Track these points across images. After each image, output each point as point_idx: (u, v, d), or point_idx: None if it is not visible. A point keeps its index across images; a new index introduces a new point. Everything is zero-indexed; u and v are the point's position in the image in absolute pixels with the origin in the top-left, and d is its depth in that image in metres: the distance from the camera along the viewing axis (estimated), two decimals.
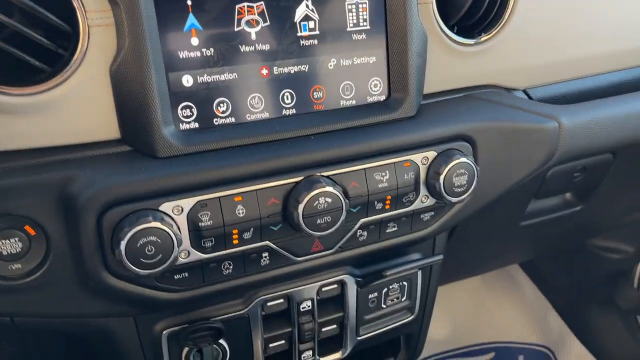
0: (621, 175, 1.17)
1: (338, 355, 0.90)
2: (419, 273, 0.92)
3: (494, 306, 2.04)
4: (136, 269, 0.61)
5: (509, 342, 1.96)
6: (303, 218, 0.68)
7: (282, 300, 0.83)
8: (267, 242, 0.71)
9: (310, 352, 0.87)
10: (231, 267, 0.70)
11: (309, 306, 0.84)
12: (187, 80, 0.67)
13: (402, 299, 0.93)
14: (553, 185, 1.08)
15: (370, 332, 0.91)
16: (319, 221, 0.69)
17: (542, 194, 1.11)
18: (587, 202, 1.22)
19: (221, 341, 0.80)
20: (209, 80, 0.68)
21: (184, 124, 0.68)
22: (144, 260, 0.61)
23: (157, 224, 0.61)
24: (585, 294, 1.89)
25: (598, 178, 1.15)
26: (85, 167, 0.63)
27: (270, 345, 0.84)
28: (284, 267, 0.74)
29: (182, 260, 0.66)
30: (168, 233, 0.62)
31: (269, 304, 0.82)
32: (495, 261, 1.52)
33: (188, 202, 0.65)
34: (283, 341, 0.85)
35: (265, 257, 0.72)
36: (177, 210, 0.64)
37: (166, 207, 0.64)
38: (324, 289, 0.84)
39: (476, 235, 1.20)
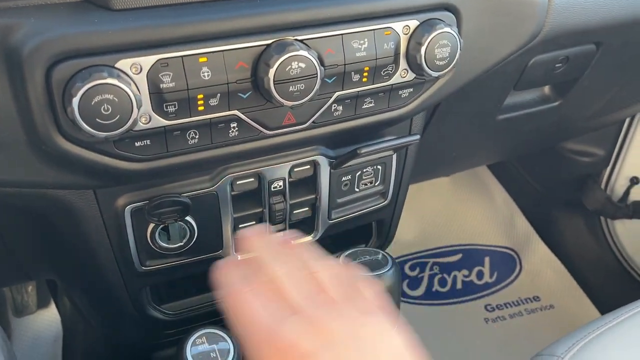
0: (602, 69, 1.14)
1: (309, 238, 0.89)
2: (394, 157, 0.89)
3: (464, 209, 2.07)
4: (91, 130, 0.56)
5: (476, 244, 2.00)
6: (274, 84, 0.63)
7: (252, 179, 0.79)
8: (235, 112, 0.66)
9: (281, 235, 0.85)
10: (197, 136, 0.65)
11: (280, 186, 0.81)
12: None
13: (376, 184, 0.90)
14: (534, 75, 1.04)
15: (342, 216, 0.89)
16: (291, 89, 0.64)
17: (522, 84, 1.07)
18: (565, 96, 1.19)
19: (188, 219, 0.76)
20: None
21: None
22: (99, 121, 0.56)
23: (114, 81, 0.55)
24: (553, 197, 1.92)
25: (579, 70, 1.11)
26: (30, 15, 0.56)
27: (240, 225, 0.82)
28: (254, 140, 0.70)
29: (142, 125, 0.61)
30: (126, 92, 0.56)
31: (238, 182, 0.78)
32: (470, 159, 1.51)
33: (147, 60, 0.58)
34: (253, 222, 0.83)
35: (234, 127, 0.67)
36: (136, 69, 0.58)
37: (123, 64, 0.57)
38: (295, 169, 0.81)
39: (453, 129, 1.17)
